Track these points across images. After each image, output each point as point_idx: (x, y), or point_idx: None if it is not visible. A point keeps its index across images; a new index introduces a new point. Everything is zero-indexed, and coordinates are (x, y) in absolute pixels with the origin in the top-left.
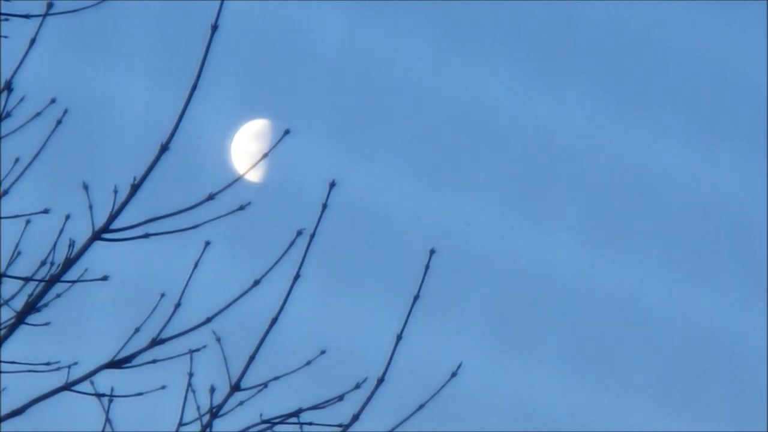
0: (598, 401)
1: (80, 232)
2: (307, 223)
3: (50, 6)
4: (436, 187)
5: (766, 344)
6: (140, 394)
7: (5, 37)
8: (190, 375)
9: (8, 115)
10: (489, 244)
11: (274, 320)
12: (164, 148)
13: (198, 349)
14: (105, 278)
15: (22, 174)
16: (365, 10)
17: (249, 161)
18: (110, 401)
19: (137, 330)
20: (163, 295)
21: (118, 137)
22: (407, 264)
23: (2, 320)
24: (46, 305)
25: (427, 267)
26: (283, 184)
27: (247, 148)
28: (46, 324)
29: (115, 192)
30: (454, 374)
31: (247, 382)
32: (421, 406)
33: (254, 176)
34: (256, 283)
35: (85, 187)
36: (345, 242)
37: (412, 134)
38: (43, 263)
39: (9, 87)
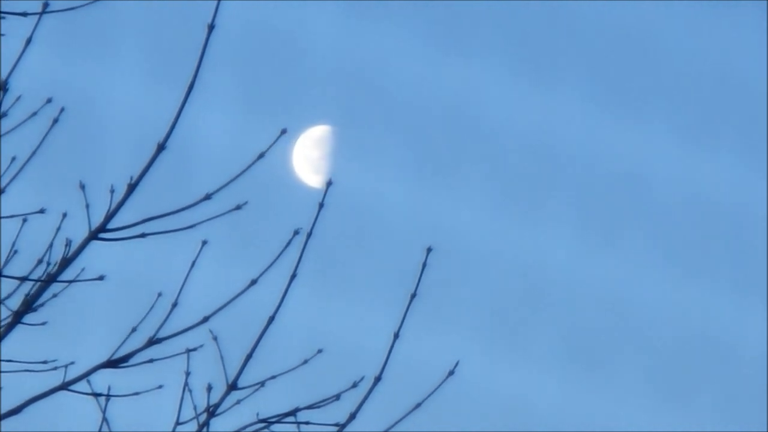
0: (597, 401)
1: (77, 231)
2: (303, 222)
3: (46, 5)
4: (433, 186)
5: (766, 344)
6: (137, 393)
7: (2, 35)
8: (187, 374)
9: (4, 114)
10: (486, 243)
11: (271, 319)
12: (161, 148)
13: (195, 349)
14: (102, 278)
15: (18, 173)
16: (359, 11)
17: (311, 167)
18: (107, 401)
19: (134, 329)
20: (160, 295)
21: (115, 136)
22: (404, 262)
23: None
24: (42, 305)
25: (424, 265)
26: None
27: (309, 154)
28: (43, 323)
29: (112, 191)
30: (451, 373)
31: (244, 381)
32: (418, 405)
33: (317, 182)
34: (253, 282)
35: (82, 187)
36: (342, 241)
37: (409, 134)
38: (40, 263)
39: (5, 86)
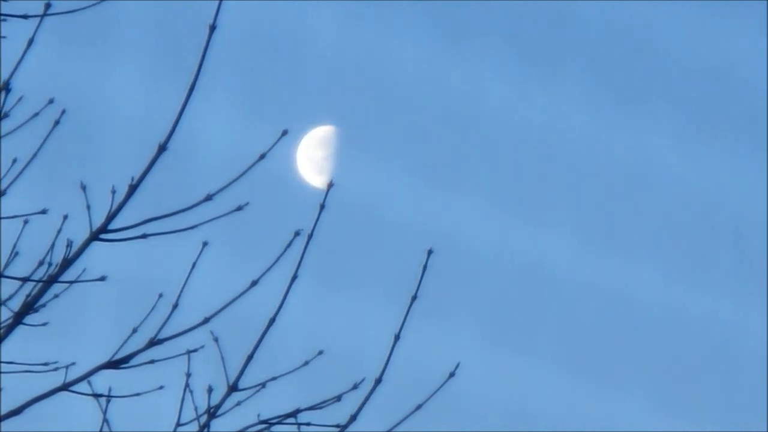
0: (597, 401)
1: (78, 232)
2: (306, 223)
3: (48, 6)
4: (433, 187)
5: (766, 344)
6: (138, 394)
7: (4, 37)
8: (188, 375)
9: (6, 115)
10: (486, 244)
11: (272, 320)
12: (162, 149)
13: (196, 350)
14: (103, 279)
15: (20, 174)
16: (361, 9)
17: (315, 167)
18: (108, 401)
19: (135, 330)
20: (160, 296)
21: (116, 137)
22: (405, 264)
23: (0, 321)
24: (43, 305)
25: (424, 267)
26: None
27: (312, 154)
28: (44, 324)
29: (113, 192)
30: (451, 374)
31: (245, 382)
32: (419, 407)
33: (321, 182)
34: (254, 283)
35: (83, 188)
36: (343, 242)
37: (409, 134)
38: (41, 263)
39: (7, 87)
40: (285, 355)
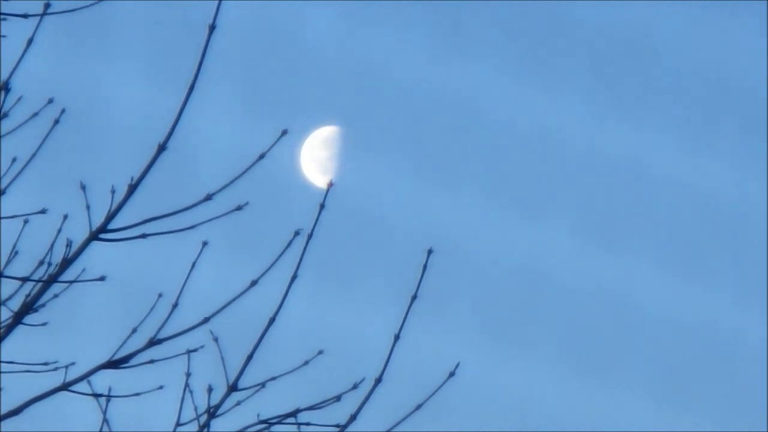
0: (598, 400)
1: (78, 232)
2: (309, 223)
3: (48, 6)
4: (433, 187)
5: (766, 344)
6: (138, 394)
7: (4, 36)
8: (188, 375)
9: (6, 115)
10: (486, 244)
11: (272, 320)
12: (162, 148)
13: (195, 350)
14: (102, 278)
15: (19, 174)
16: (362, 9)
17: (319, 168)
18: (108, 401)
19: (135, 330)
20: (160, 296)
21: (116, 137)
22: (405, 264)
23: (0, 321)
24: (43, 305)
25: (424, 267)
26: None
27: (316, 154)
28: (44, 324)
29: (113, 192)
30: (451, 374)
31: (245, 382)
32: (419, 407)
33: (324, 183)
34: (254, 283)
35: (83, 187)
36: (342, 242)
37: (409, 134)
38: (41, 263)
39: (6, 87)
40: (285, 355)
